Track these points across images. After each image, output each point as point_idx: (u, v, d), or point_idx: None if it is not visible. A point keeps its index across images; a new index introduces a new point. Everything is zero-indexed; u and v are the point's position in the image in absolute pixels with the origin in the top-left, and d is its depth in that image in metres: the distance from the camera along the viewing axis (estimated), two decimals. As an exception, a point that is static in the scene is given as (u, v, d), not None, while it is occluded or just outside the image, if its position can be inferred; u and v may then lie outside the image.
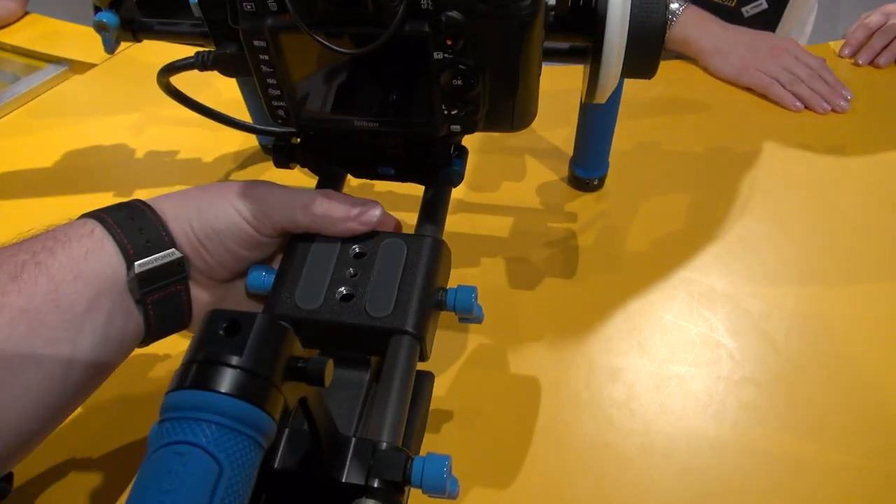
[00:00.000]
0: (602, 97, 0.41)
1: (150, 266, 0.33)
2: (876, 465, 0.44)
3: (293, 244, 0.37)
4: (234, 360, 0.21)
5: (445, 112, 0.35)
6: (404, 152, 0.41)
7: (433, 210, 0.40)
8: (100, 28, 0.50)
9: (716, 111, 0.79)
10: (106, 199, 0.68)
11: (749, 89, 0.81)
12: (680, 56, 0.87)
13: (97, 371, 0.33)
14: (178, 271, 0.35)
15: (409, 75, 0.34)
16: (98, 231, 0.33)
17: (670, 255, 0.59)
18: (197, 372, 0.21)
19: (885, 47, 0.84)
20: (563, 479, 0.44)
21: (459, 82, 0.33)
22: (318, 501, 0.30)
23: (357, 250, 0.37)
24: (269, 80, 0.35)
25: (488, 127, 0.37)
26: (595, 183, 0.65)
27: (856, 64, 0.85)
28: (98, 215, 0.34)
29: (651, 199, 0.65)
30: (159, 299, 0.35)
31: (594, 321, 0.54)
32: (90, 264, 0.32)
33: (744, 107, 0.80)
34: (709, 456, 0.45)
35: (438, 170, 0.41)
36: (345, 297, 0.35)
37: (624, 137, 0.64)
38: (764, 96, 0.80)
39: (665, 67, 0.85)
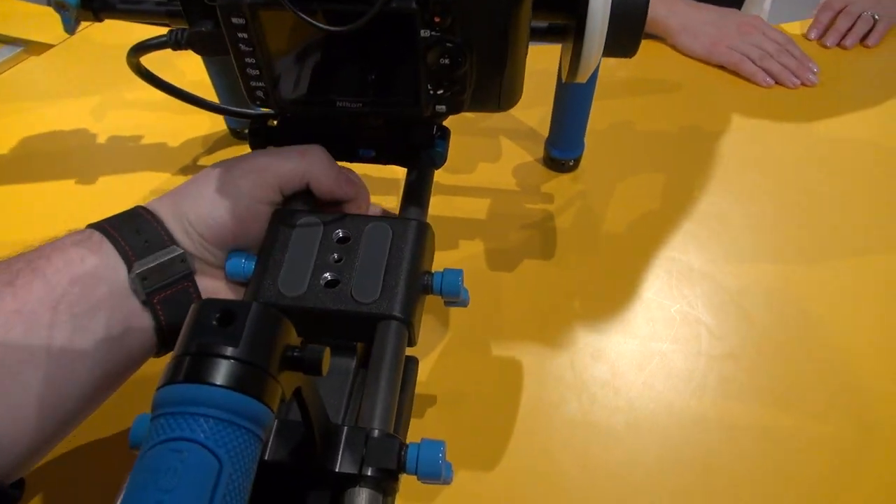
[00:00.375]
0: (584, 76, 0.40)
1: (151, 265, 0.33)
2: (848, 431, 0.46)
3: (273, 228, 0.36)
4: (230, 350, 0.20)
5: (431, 92, 0.34)
6: (386, 133, 0.40)
7: (417, 192, 0.39)
8: (59, 7, 0.48)
9: (687, 89, 0.79)
10: (67, 188, 0.66)
11: (721, 67, 0.82)
12: (647, 35, 0.87)
13: (105, 376, 0.33)
14: (181, 269, 0.34)
15: (394, 54, 0.33)
16: (95, 237, 0.33)
17: (647, 234, 0.60)
18: (191, 364, 0.20)
19: (849, 29, 0.85)
20: (549, 458, 0.45)
21: (447, 61, 0.32)
22: (309, 492, 0.29)
23: (341, 234, 0.36)
24: (248, 60, 0.34)
25: (474, 107, 0.36)
26: (571, 163, 0.65)
27: (823, 46, 0.86)
28: (97, 224, 0.34)
29: (626, 178, 0.66)
30: (166, 298, 0.34)
31: (575, 302, 0.54)
32: (87, 268, 0.32)
33: (715, 84, 0.80)
34: (692, 430, 0.46)
35: (421, 151, 0.41)
36: (330, 283, 0.34)
37: (597, 118, 0.64)
38: (735, 73, 0.80)
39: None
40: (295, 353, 0.22)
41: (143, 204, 0.36)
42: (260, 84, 0.35)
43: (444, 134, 0.41)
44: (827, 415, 0.47)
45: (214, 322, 0.20)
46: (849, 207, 0.63)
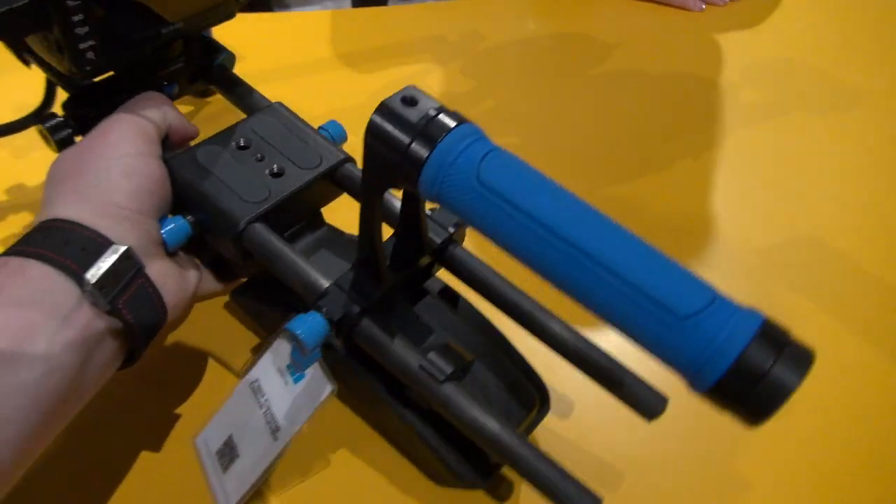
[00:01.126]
0: None
1: (104, 270, 0.30)
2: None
3: (183, 173, 0.36)
4: (436, 109, 0.25)
5: (238, -20, 0.37)
6: (184, 60, 0.41)
7: (244, 86, 0.42)
8: None
9: (622, 28, 0.79)
10: None
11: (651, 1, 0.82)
12: None
13: (66, 400, 0.29)
14: (131, 265, 0.31)
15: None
16: (12, 263, 0.29)
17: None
18: (429, 131, 0.25)
19: None
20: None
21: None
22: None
23: (242, 142, 0.38)
24: (76, 17, 0.32)
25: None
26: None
27: None
28: (7, 250, 0.30)
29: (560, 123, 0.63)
30: (129, 301, 0.31)
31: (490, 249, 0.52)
32: (8, 296, 0.28)
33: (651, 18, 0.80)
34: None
35: (213, 63, 0.43)
36: (277, 174, 0.37)
37: (537, 62, 0.66)
38: (667, 4, 0.82)
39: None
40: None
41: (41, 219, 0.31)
42: (90, 43, 0.33)
43: (213, 42, 0.44)
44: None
45: (404, 107, 0.25)
46: (764, 130, 0.63)
